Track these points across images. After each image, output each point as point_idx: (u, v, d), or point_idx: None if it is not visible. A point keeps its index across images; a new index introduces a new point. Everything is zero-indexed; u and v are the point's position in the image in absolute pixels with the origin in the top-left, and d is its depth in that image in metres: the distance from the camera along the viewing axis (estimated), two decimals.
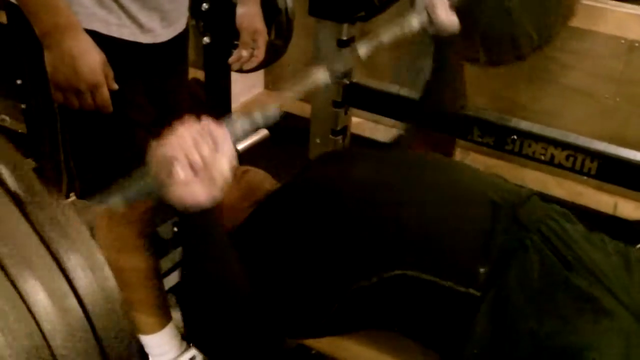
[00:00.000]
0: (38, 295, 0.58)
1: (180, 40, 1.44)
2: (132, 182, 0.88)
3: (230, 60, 1.64)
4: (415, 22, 1.42)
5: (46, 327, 0.58)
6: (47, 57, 1.19)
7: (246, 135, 0.98)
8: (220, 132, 0.91)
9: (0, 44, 2.21)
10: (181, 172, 0.87)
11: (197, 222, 0.94)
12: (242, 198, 1.44)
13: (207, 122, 0.92)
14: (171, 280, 1.96)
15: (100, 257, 0.65)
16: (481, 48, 1.87)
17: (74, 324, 0.60)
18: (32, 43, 1.23)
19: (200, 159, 0.88)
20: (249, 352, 1.13)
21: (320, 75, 1.14)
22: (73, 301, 0.61)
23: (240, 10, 1.60)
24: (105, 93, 1.23)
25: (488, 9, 1.84)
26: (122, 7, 1.27)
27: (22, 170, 0.63)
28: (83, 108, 1.23)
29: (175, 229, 1.96)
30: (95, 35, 1.23)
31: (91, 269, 0.63)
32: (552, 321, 1.05)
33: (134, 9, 1.29)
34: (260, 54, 1.63)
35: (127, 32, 1.30)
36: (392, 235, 1.14)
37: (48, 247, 0.61)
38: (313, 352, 1.40)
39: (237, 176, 1.51)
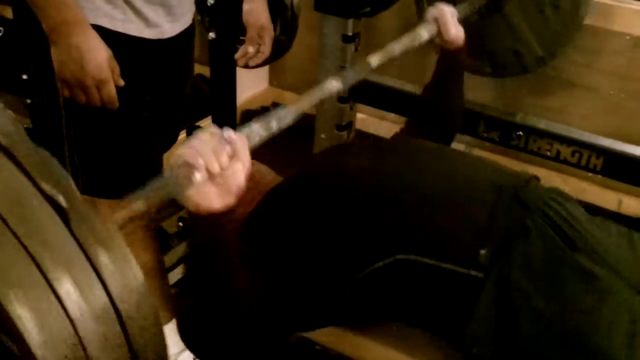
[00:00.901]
0: (72, 294, 0.63)
1: (186, 36, 1.44)
2: (152, 186, 0.90)
3: (237, 56, 1.64)
4: (424, 33, 1.46)
5: (79, 325, 0.63)
6: (54, 52, 1.20)
7: (262, 141, 1.01)
8: (238, 139, 0.94)
9: (6, 39, 2.22)
10: (199, 177, 0.89)
11: (208, 225, 0.96)
12: (244, 192, 1.45)
13: (227, 130, 0.94)
14: (175, 275, 1.96)
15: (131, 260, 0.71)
16: (487, 61, 1.90)
17: (103, 315, 0.65)
18: (37, 38, 1.23)
19: (218, 166, 0.90)
20: (251, 352, 1.13)
21: (333, 85, 1.17)
22: (102, 294, 0.66)
23: (246, 6, 1.60)
24: (111, 89, 1.23)
25: (492, 23, 1.88)
26: (127, 2, 1.27)
27: (63, 182, 0.67)
28: (89, 104, 1.23)
29: (180, 224, 1.96)
30: (100, 30, 1.23)
31: (122, 271, 0.69)
32: (556, 301, 1.05)
33: (139, 3, 1.29)
34: (266, 50, 1.63)
35: (132, 27, 1.30)
36: (392, 221, 1.14)
37: (85, 253, 0.65)
38: (317, 347, 1.40)
39: None
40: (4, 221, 0.63)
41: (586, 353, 1.03)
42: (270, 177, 1.53)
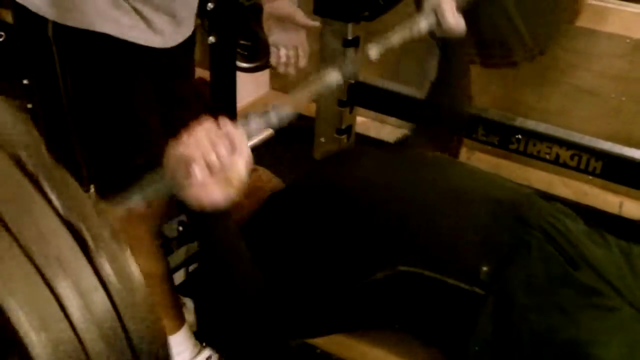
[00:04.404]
0: (71, 294, 0.61)
1: (188, 42, 1.44)
2: (149, 182, 0.87)
3: (274, 63, 1.57)
4: (423, 24, 1.42)
5: (79, 324, 0.61)
6: None
7: (261, 134, 0.98)
8: (236, 132, 0.91)
9: (8, 43, 2.22)
10: (198, 172, 0.87)
11: (212, 222, 0.95)
12: (247, 196, 1.45)
13: (224, 122, 0.91)
14: (176, 279, 1.96)
15: (126, 253, 0.65)
16: (475, 49, 1.88)
17: (104, 318, 0.63)
18: (39, 43, 1.23)
19: (217, 160, 0.88)
20: (255, 348, 1.14)
21: (332, 77, 1.14)
22: (102, 296, 0.62)
23: (268, 6, 1.54)
24: None
25: (488, 12, 1.83)
26: (134, 9, 1.27)
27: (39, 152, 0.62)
28: None
29: (180, 228, 1.96)
30: (106, 38, 1.23)
31: (118, 266, 0.64)
32: (554, 316, 1.05)
33: (146, 10, 1.28)
34: (304, 49, 1.58)
35: (138, 34, 1.30)
36: (395, 233, 1.14)
37: (78, 243, 0.62)
38: (318, 351, 1.40)
39: None
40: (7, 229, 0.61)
41: None
42: (273, 182, 1.53)
